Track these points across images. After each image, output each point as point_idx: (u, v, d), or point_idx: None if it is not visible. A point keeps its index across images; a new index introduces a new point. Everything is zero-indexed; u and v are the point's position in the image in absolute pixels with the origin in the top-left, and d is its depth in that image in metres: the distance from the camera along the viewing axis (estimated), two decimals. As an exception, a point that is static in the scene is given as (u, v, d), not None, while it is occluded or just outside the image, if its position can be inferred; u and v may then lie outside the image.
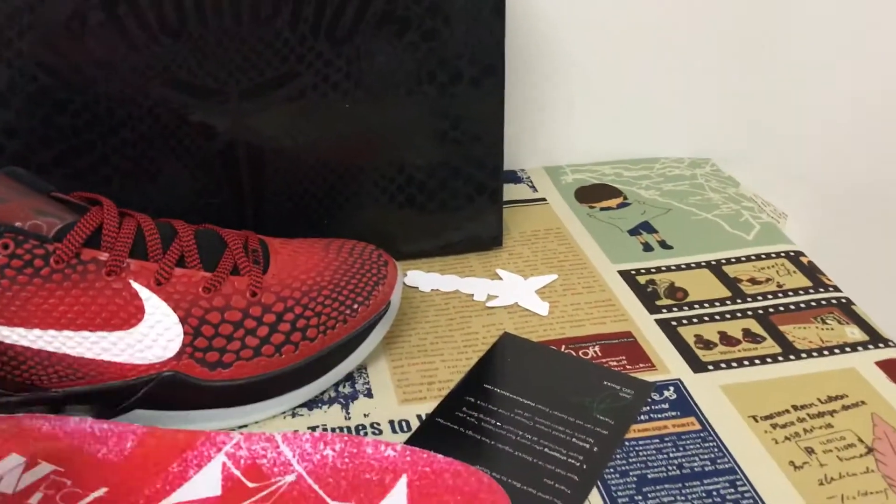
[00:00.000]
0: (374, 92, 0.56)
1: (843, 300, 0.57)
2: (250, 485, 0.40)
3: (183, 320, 0.45)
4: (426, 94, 0.56)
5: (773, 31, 0.72)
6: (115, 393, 0.45)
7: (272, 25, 0.53)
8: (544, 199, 0.69)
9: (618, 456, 0.45)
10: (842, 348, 0.53)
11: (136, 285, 0.45)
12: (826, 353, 0.53)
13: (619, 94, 0.73)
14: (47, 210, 0.44)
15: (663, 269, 0.61)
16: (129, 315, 0.44)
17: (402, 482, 0.40)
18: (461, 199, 0.60)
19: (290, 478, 0.41)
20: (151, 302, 0.45)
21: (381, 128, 0.57)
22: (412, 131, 0.58)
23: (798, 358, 0.52)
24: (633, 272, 0.60)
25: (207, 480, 0.40)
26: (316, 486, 0.40)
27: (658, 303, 0.57)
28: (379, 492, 0.40)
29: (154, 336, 0.45)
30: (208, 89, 0.53)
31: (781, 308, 0.57)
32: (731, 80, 0.74)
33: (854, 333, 0.54)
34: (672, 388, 0.50)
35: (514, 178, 0.72)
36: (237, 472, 0.41)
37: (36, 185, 0.46)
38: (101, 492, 0.40)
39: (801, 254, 0.62)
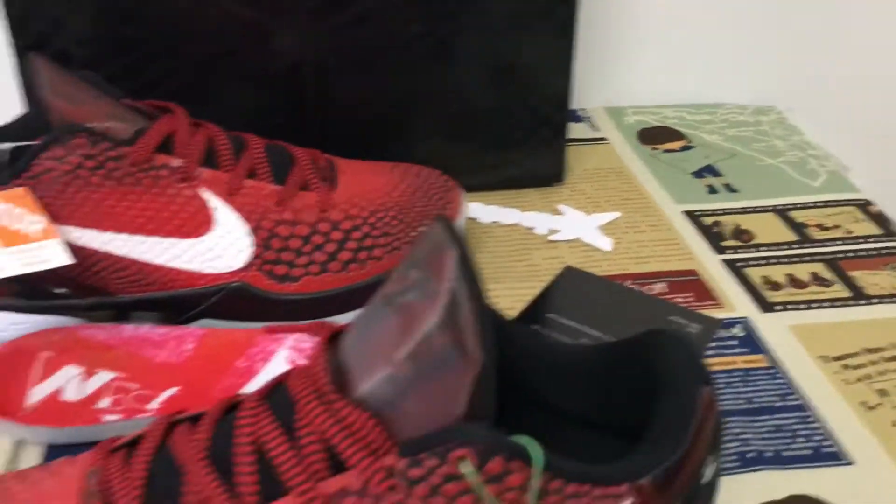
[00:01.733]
0: (438, 19, 0.55)
1: (915, 249, 0.56)
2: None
3: (253, 232, 0.45)
4: (493, 27, 0.55)
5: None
6: (183, 301, 0.45)
7: (345, -59, 0.51)
8: (605, 139, 0.68)
9: (685, 388, 0.45)
10: (914, 295, 0.52)
11: (207, 194, 0.44)
12: (897, 298, 0.52)
13: (684, 37, 0.71)
14: (120, 114, 0.44)
15: (728, 211, 0.60)
16: (199, 223, 0.44)
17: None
18: (524, 131, 0.59)
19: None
20: (222, 212, 0.44)
21: (444, 56, 0.56)
22: (478, 64, 0.56)
23: (869, 303, 0.51)
24: (698, 213, 0.59)
25: (277, 371, 0.40)
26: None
27: (723, 244, 0.56)
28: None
29: (224, 246, 0.45)
30: (278, 5, 0.52)
31: (850, 254, 0.55)
32: (796, 28, 0.72)
33: (926, 282, 0.53)
34: (739, 326, 0.49)
35: (575, 117, 0.71)
36: (304, 362, 0.40)
37: (108, 91, 0.45)
38: (174, 390, 0.40)
39: (869, 203, 0.61)
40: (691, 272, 0.53)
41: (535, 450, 0.27)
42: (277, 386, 0.31)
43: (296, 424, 0.29)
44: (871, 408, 0.44)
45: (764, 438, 0.42)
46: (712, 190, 0.62)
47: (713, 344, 0.48)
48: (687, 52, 0.72)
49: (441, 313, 0.28)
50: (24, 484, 0.32)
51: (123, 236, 0.43)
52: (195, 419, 0.32)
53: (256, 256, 0.45)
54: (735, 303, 0.51)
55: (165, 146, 0.44)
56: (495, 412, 0.28)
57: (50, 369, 0.40)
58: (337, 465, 0.28)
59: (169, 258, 0.44)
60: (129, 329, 0.42)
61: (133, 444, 0.32)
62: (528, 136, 0.60)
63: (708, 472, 0.32)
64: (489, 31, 0.55)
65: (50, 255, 0.39)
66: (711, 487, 0.33)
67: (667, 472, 0.30)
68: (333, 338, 0.32)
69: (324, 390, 0.29)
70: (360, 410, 0.28)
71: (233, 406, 0.32)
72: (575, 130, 0.69)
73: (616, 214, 0.59)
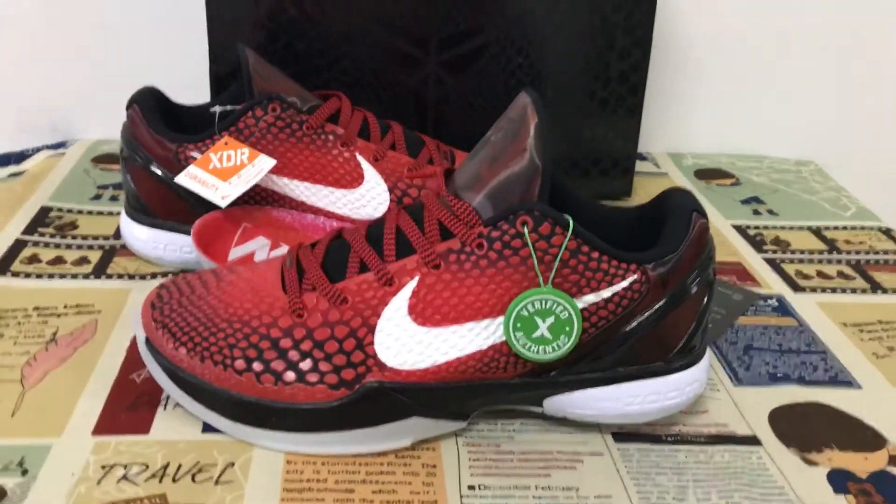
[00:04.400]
0: (542, 58, 0.69)
1: (928, 263, 0.66)
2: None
3: (390, 190, 0.58)
4: (573, 101, 0.69)
5: (884, 52, 0.83)
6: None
7: (471, -11, 0.66)
8: (666, 174, 0.81)
9: (728, 332, 0.55)
10: (924, 291, 0.62)
11: (360, 157, 0.58)
12: (910, 293, 0.62)
13: (736, 97, 0.85)
14: (302, 93, 0.58)
15: (770, 227, 0.71)
16: (353, 179, 0.57)
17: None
18: (597, 171, 0.73)
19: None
20: (369, 172, 0.58)
21: (539, 87, 0.70)
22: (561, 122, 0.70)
23: (885, 293, 0.62)
24: (744, 226, 0.71)
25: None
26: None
27: (764, 247, 0.67)
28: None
29: (369, 198, 0.58)
30: (415, 35, 0.67)
31: (872, 261, 0.66)
32: (839, 92, 0.84)
33: (936, 284, 0.63)
34: (774, 299, 0.60)
35: (641, 157, 0.84)
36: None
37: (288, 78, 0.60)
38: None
39: (892, 229, 0.71)
40: (736, 263, 0.65)
41: (571, 222, 0.40)
42: (414, 201, 0.45)
43: (423, 215, 0.43)
44: (881, 357, 0.54)
45: (789, 367, 0.52)
46: (756, 212, 0.74)
47: (752, 308, 0.58)
48: (738, 109, 0.85)
49: (523, 141, 0.42)
50: (244, 266, 0.48)
51: (296, 182, 0.57)
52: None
53: (392, 210, 0.58)
54: (772, 284, 0.62)
55: (333, 119, 0.58)
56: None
57: (246, 236, 0.54)
58: (446, 236, 0.42)
59: (328, 203, 0.57)
60: (309, 217, 0.55)
61: (312, 245, 0.46)
62: (601, 174, 0.73)
63: (692, 286, 0.43)
64: (570, 105, 0.70)
65: (260, 166, 0.53)
66: (698, 302, 0.44)
67: (665, 265, 0.42)
68: (449, 172, 0.48)
69: (441, 193, 0.44)
70: (463, 202, 0.42)
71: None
72: (640, 166, 0.81)
73: (674, 223, 0.70)
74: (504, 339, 0.42)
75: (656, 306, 0.43)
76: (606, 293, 0.42)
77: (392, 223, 0.44)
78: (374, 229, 0.45)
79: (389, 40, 0.67)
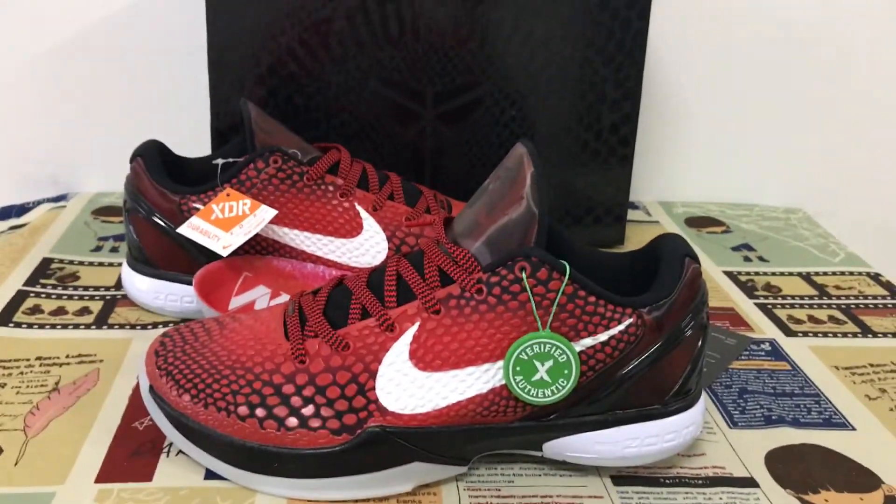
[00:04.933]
0: (535, 110, 0.71)
1: (917, 307, 0.68)
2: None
3: (389, 239, 0.59)
4: (567, 151, 0.71)
5: (869, 104, 0.85)
6: (333, 286, 0.59)
7: (466, 46, 0.69)
8: (658, 222, 0.82)
9: (722, 376, 0.56)
10: (914, 335, 0.63)
11: (359, 207, 0.59)
12: (900, 336, 0.63)
13: (726, 147, 0.87)
14: (302, 145, 0.60)
15: (761, 273, 0.72)
16: (352, 228, 0.59)
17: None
18: (590, 219, 0.74)
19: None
20: (368, 222, 0.59)
21: (533, 137, 0.72)
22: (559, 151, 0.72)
23: (875, 336, 0.63)
24: (736, 273, 0.72)
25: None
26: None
27: (756, 293, 0.69)
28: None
29: (368, 247, 0.59)
30: (412, 89, 0.69)
31: (862, 306, 0.67)
32: (826, 141, 0.87)
33: (925, 328, 0.64)
34: (767, 343, 0.61)
35: (633, 206, 0.85)
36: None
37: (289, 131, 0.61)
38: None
39: (880, 274, 0.73)
40: (729, 308, 0.66)
41: (568, 267, 0.42)
42: (412, 249, 0.46)
43: (423, 262, 0.44)
44: (873, 399, 0.55)
45: (784, 410, 0.53)
46: (747, 259, 0.75)
47: (745, 353, 0.59)
48: (727, 158, 0.87)
49: (520, 190, 0.43)
50: (246, 314, 0.48)
51: (297, 231, 0.58)
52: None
53: (390, 258, 0.59)
54: (764, 329, 0.63)
55: (333, 170, 0.59)
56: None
57: (247, 285, 0.54)
58: (446, 282, 0.43)
59: (327, 252, 0.58)
60: (309, 266, 0.56)
61: (314, 293, 0.47)
62: (594, 222, 0.74)
63: (687, 329, 0.44)
64: (563, 155, 0.72)
65: (261, 217, 0.54)
66: (693, 345, 0.45)
67: (659, 309, 0.43)
68: (448, 220, 0.48)
69: (440, 240, 0.45)
70: (462, 249, 0.43)
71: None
72: (632, 215, 0.83)
73: (667, 269, 0.72)
74: (504, 382, 0.42)
75: (652, 349, 0.43)
76: (603, 336, 0.42)
77: (393, 269, 0.45)
78: (375, 276, 0.46)
79: (387, 94, 0.69)
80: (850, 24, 0.83)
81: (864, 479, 0.47)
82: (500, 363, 0.42)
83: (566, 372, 0.42)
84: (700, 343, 0.45)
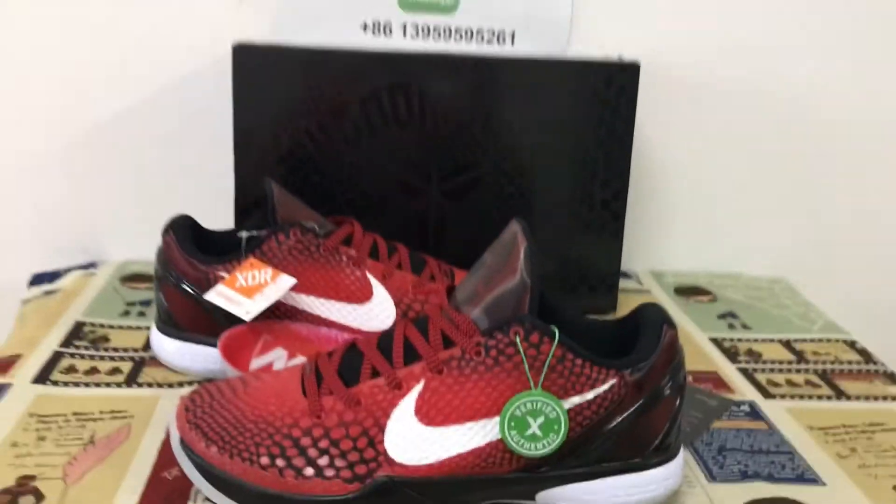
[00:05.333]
0: (531, 187, 0.77)
1: (890, 372, 0.72)
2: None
3: (396, 304, 0.64)
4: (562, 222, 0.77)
5: (847, 178, 0.92)
6: (346, 349, 0.64)
7: (469, 130, 0.75)
8: (649, 291, 0.88)
9: (703, 437, 0.61)
10: (885, 398, 0.68)
11: (370, 276, 0.64)
12: (872, 399, 0.67)
13: (715, 219, 0.92)
14: (319, 220, 0.66)
15: (744, 340, 0.77)
16: (363, 295, 0.64)
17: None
18: (586, 286, 0.80)
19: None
20: (378, 289, 0.64)
21: (527, 216, 0.77)
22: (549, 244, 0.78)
23: (849, 399, 0.67)
24: (720, 339, 0.77)
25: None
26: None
27: (738, 358, 0.73)
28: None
29: (377, 312, 0.64)
30: (418, 169, 0.75)
31: (837, 370, 0.72)
32: (809, 213, 0.92)
33: (896, 391, 0.69)
34: (747, 405, 0.66)
35: (625, 275, 0.91)
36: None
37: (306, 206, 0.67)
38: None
39: (856, 342, 0.78)
40: (712, 373, 0.71)
41: (557, 332, 0.47)
42: (418, 315, 0.51)
43: (428, 326, 0.50)
44: (843, 457, 0.59)
45: (759, 465, 0.57)
46: (731, 326, 0.80)
47: (726, 414, 0.64)
48: (714, 231, 0.93)
49: (515, 262, 0.49)
50: (267, 374, 0.53)
51: (313, 297, 0.63)
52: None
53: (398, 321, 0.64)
54: (744, 391, 0.68)
55: (346, 242, 0.65)
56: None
57: (266, 348, 0.59)
58: (448, 345, 0.49)
59: (339, 317, 0.64)
60: (323, 330, 0.61)
61: (329, 354, 0.52)
62: (588, 290, 0.80)
63: (665, 389, 0.49)
64: (558, 228, 0.78)
65: (282, 285, 0.60)
66: (671, 404, 0.50)
67: (640, 371, 0.48)
68: (451, 289, 0.53)
69: (444, 307, 0.51)
70: (463, 315, 0.49)
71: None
72: (624, 284, 0.88)
73: (656, 335, 0.77)
74: (500, 436, 0.47)
75: (633, 407, 0.48)
76: (590, 395, 0.47)
77: (400, 333, 0.50)
78: (384, 339, 0.51)
79: (396, 172, 0.76)
80: (828, 100, 0.90)
81: (831, 530, 0.51)
82: (497, 419, 0.47)
83: (556, 427, 0.47)
84: (678, 402, 0.50)
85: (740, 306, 0.85)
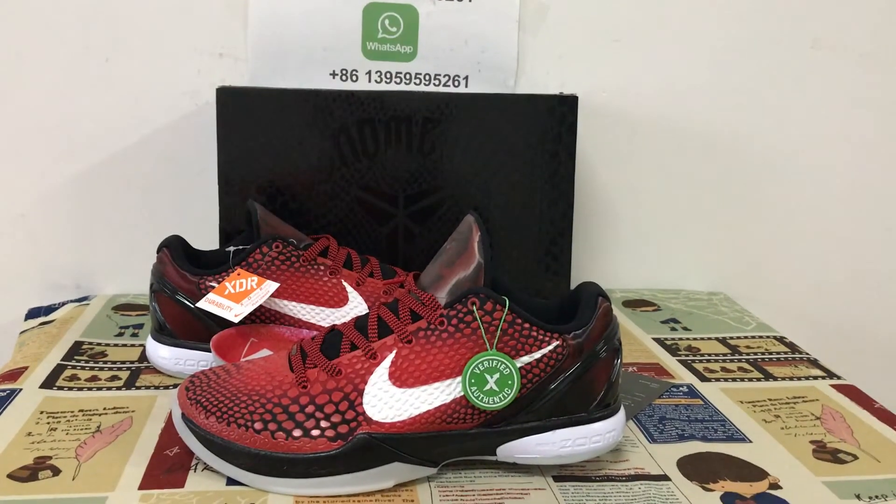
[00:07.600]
0: (488, 208, 0.86)
1: (814, 359, 0.81)
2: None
3: (370, 308, 0.72)
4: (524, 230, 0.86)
5: (779, 198, 1.02)
6: (325, 348, 0.71)
7: (430, 158, 0.84)
8: (599, 305, 0.96)
9: (645, 411, 0.68)
10: (807, 378, 0.76)
11: (345, 283, 0.72)
12: (795, 379, 0.76)
13: (655, 239, 1.02)
14: (298, 235, 0.74)
15: (684, 339, 0.86)
16: (339, 300, 0.72)
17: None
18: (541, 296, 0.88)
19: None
20: (353, 295, 0.72)
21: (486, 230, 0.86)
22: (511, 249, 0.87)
23: (776, 380, 0.76)
24: (662, 339, 0.85)
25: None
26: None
27: (679, 352, 0.82)
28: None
29: (353, 315, 0.71)
30: (386, 194, 0.84)
31: (767, 359, 0.80)
32: (745, 231, 1.02)
33: (818, 373, 0.77)
34: (685, 387, 0.73)
35: (578, 293, 0.99)
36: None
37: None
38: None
39: (785, 337, 0.86)
40: (655, 364, 0.79)
41: (507, 301, 0.55)
42: (390, 299, 0.59)
43: (398, 306, 0.57)
44: (768, 422, 0.67)
45: (695, 430, 0.65)
46: (674, 329, 0.89)
47: (666, 394, 0.72)
48: (656, 250, 1.02)
49: (471, 248, 0.57)
50: (256, 360, 0.60)
51: (294, 303, 0.71)
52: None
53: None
54: (683, 376, 0.76)
55: (323, 253, 0.73)
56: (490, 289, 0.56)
57: (253, 349, 0.66)
58: (416, 319, 0.56)
59: (318, 320, 0.71)
60: (304, 332, 0.68)
61: (312, 338, 0.59)
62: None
63: (601, 352, 0.57)
64: (512, 246, 0.86)
65: (266, 289, 0.67)
66: (609, 365, 0.57)
67: (579, 336, 0.56)
68: (416, 275, 0.61)
69: (411, 289, 0.58)
70: (428, 294, 0.56)
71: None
72: (578, 299, 0.97)
73: (605, 338, 0.85)
74: (462, 394, 0.55)
75: (575, 367, 0.56)
76: (537, 355, 0.55)
77: (374, 314, 0.58)
78: (360, 320, 0.59)
79: (365, 198, 0.84)
80: (763, 131, 1.00)
81: (754, 472, 0.59)
82: (459, 378, 0.55)
83: (510, 382, 0.55)
84: (615, 364, 0.58)
85: (682, 314, 0.93)
